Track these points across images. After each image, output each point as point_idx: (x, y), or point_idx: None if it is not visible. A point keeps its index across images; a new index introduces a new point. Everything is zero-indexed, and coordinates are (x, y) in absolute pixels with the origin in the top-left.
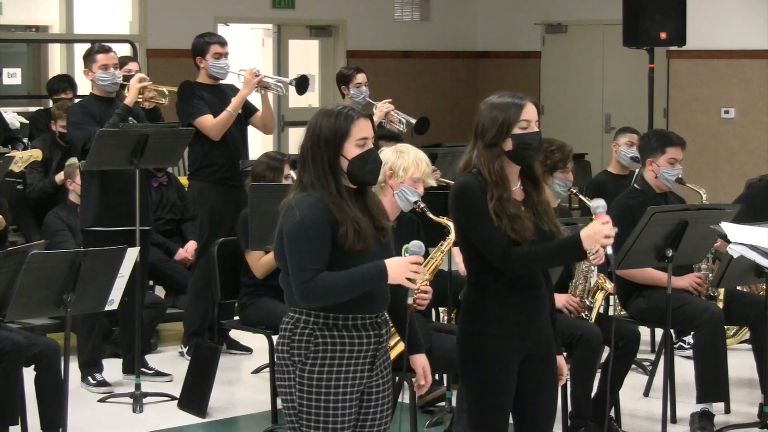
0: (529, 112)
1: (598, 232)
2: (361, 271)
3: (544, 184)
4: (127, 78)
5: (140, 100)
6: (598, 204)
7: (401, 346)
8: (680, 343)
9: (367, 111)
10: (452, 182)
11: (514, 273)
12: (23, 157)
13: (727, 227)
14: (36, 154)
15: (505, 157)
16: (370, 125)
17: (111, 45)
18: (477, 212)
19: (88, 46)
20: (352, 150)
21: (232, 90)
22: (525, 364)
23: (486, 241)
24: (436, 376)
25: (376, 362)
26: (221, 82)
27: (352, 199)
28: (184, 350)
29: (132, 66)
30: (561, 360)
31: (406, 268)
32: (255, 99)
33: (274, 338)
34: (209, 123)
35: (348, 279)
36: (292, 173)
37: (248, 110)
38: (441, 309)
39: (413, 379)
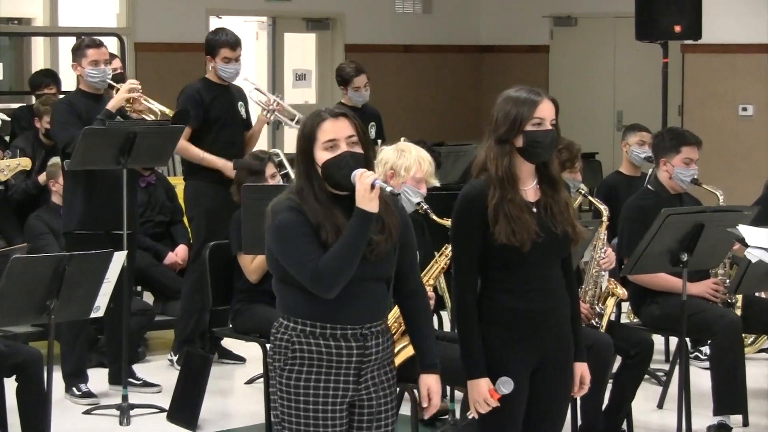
0: (544, 109)
1: (359, 189)
2: (347, 229)
3: (562, 183)
4: (116, 77)
5: (128, 109)
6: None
7: (404, 354)
8: (696, 353)
9: (342, 109)
10: (453, 183)
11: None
12: (10, 166)
13: (744, 230)
14: (24, 163)
15: (517, 155)
16: (342, 125)
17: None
18: (458, 230)
19: (73, 39)
20: (321, 155)
21: (239, 93)
22: (537, 371)
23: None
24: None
25: (362, 374)
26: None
27: (339, 205)
28: (174, 359)
29: (115, 64)
30: (583, 368)
31: (362, 188)
32: (255, 108)
33: (269, 347)
34: (183, 139)
35: (341, 243)
36: (291, 171)
37: (248, 122)
38: (443, 314)
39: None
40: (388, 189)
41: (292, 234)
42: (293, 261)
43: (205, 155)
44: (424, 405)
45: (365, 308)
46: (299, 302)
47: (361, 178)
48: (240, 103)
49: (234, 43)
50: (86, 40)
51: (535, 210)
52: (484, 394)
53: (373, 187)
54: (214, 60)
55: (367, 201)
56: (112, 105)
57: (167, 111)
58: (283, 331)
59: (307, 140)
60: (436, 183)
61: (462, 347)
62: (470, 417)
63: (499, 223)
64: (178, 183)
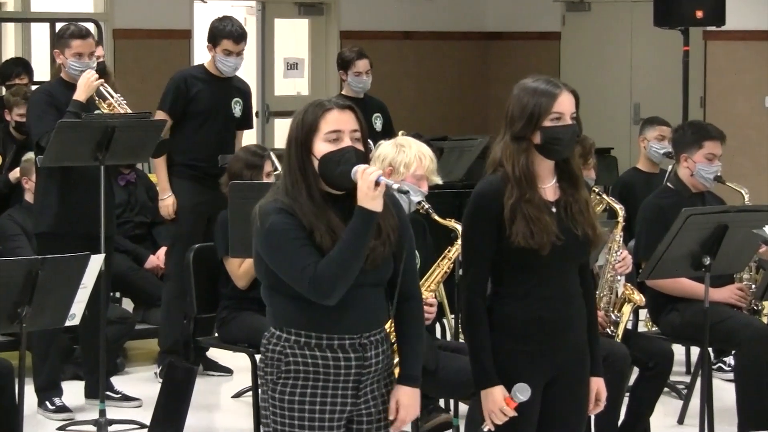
0: (564, 103)
1: (362, 186)
2: (347, 230)
3: (582, 180)
4: (98, 66)
5: (104, 108)
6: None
7: None
8: (719, 364)
9: (349, 102)
10: (457, 181)
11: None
12: None
13: None
14: None
15: (535, 152)
16: (348, 117)
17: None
18: (471, 230)
19: (46, 26)
20: (321, 147)
21: (240, 88)
22: (551, 386)
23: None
24: (441, 401)
25: (362, 387)
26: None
27: (333, 206)
28: (157, 371)
29: (99, 52)
30: (600, 383)
31: (365, 185)
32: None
33: (257, 357)
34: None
35: (341, 245)
36: (280, 167)
37: (241, 122)
38: (446, 322)
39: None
40: (396, 186)
41: (285, 238)
42: (288, 267)
43: (163, 181)
44: (390, 417)
45: (363, 316)
46: (291, 311)
47: (364, 174)
48: (236, 99)
49: (238, 36)
50: (72, 29)
51: (554, 210)
52: (500, 403)
53: (377, 184)
54: (214, 50)
55: (370, 199)
56: (81, 96)
57: (145, 114)
58: (275, 342)
59: (307, 129)
60: (439, 180)
61: (472, 355)
62: (485, 430)
63: (517, 223)
64: None
